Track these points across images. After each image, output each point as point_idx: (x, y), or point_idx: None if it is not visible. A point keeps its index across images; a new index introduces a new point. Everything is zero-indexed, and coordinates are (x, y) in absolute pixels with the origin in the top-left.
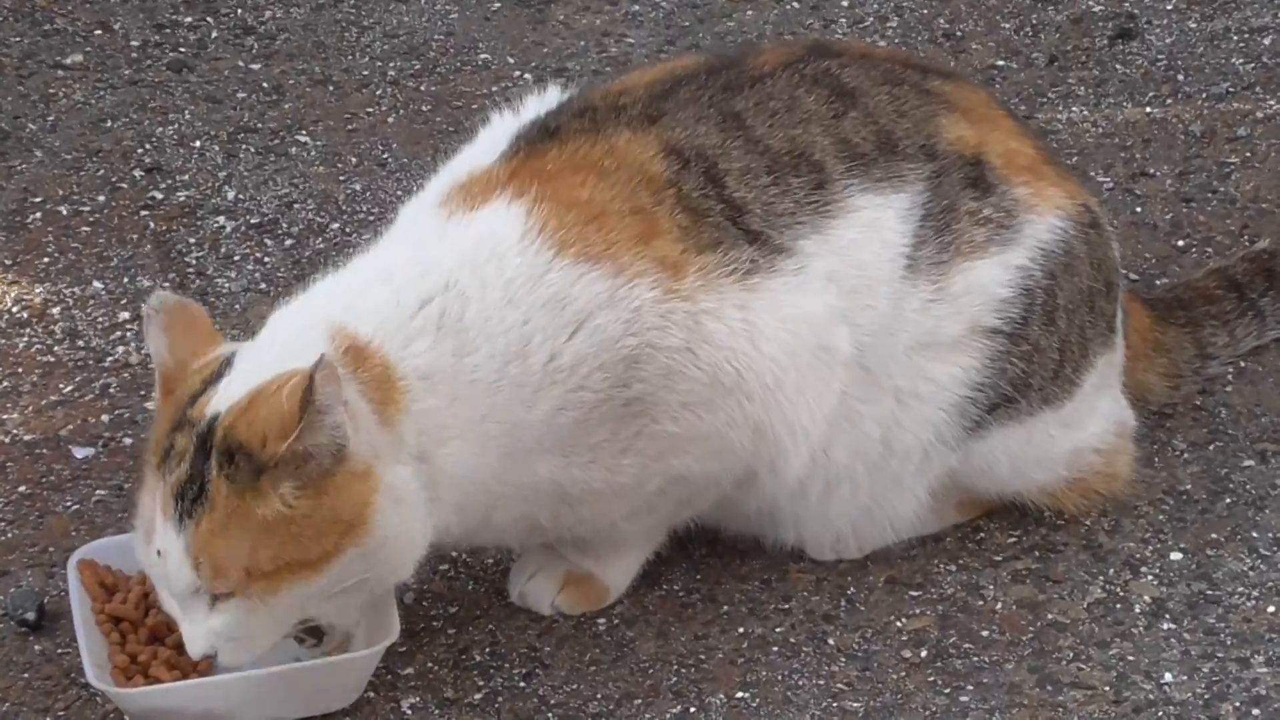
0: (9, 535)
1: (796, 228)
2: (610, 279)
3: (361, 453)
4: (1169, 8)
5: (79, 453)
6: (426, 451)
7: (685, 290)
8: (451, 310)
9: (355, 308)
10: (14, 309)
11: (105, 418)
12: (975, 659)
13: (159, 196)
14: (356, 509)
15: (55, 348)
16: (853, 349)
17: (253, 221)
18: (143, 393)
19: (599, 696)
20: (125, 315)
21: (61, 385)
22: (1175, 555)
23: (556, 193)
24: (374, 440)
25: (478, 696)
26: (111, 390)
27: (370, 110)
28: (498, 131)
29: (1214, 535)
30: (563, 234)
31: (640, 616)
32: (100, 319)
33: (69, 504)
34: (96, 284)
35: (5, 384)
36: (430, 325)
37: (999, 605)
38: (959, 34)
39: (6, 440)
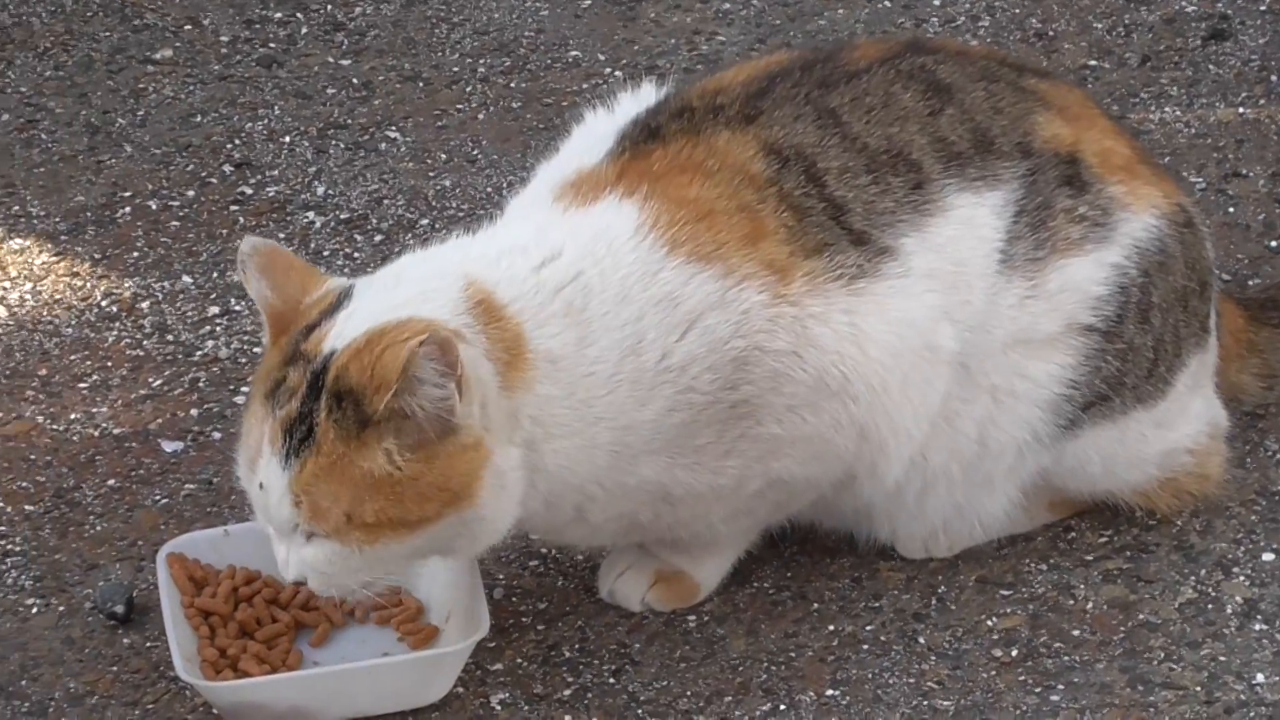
0: (98, 529)
1: (897, 226)
2: (720, 280)
3: (471, 423)
4: (1262, 9)
5: (168, 447)
6: (534, 441)
7: (793, 295)
8: (578, 300)
9: (493, 270)
10: (103, 303)
11: (194, 412)
12: (1066, 658)
13: (248, 192)
14: (464, 480)
15: (144, 342)
16: (956, 345)
17: (342, 217)
18: (231, 387)
19: (689, 693)
20: (214, 310)
21: (151, 379)
22: (1268, 556)
23: (665, 192)
24: (491, 409)
25: (567, 693)
26: (200, 384)
27: (460, 107)
28: (594, 130)
29: None
30: (674, 232)
31: (730, 614)
32: (189, 313)
33: (158, 498)
34: (186, 279)
35: (95, 377)
36: (561, 311)
37: (1090, 605)
38: (1051, 34)
39: (96, 434)
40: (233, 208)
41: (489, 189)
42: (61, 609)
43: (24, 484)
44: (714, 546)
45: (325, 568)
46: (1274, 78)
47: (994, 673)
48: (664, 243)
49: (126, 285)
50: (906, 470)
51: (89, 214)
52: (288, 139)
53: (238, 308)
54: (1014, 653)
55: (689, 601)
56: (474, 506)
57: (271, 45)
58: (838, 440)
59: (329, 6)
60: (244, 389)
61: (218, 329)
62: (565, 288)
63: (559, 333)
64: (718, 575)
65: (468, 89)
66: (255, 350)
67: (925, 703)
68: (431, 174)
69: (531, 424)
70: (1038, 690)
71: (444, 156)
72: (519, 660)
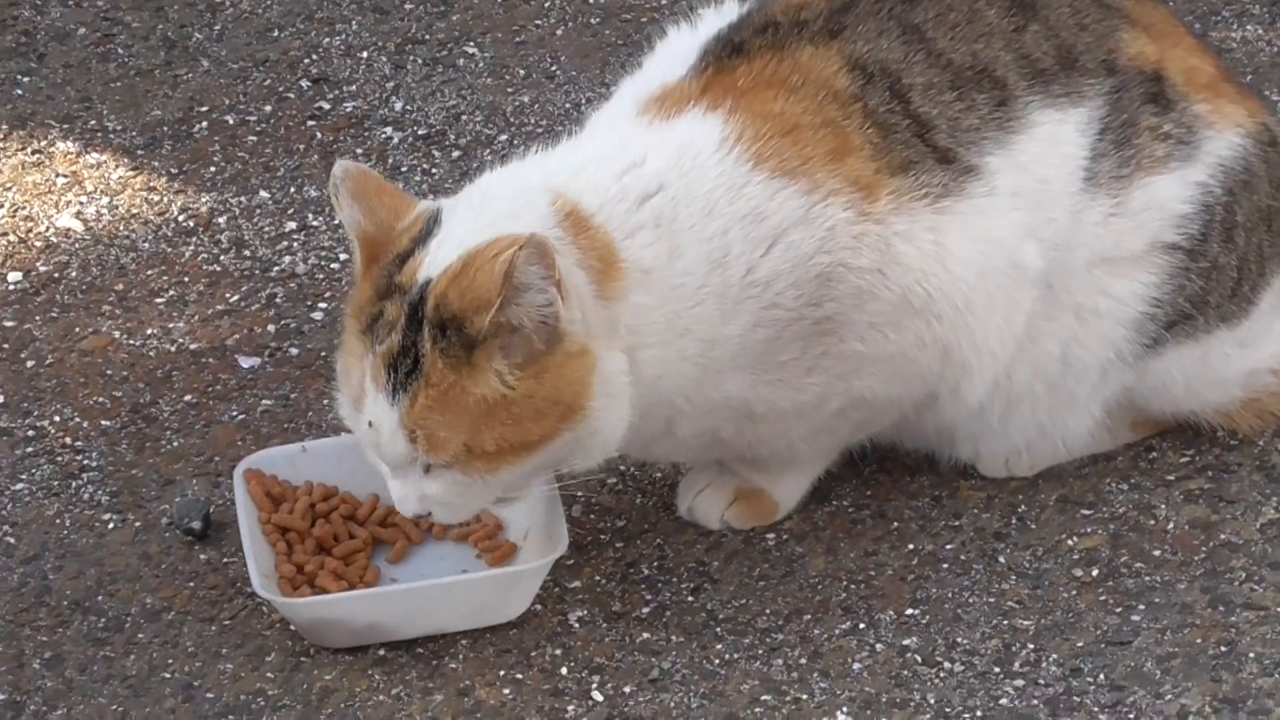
0: (175, 444)
1: (982, 144)
2: (805, 196)
3: (575, 329)
4: None
5: (245, 362)
6: (632, 349)
7: (878, 213)
8: (666, 211)
9: (578, 180)
10: (180, 218)
11: (271, 328)
12: (1147, 578)
13: (325, 107)
14: (574, 390)
15: (221, 257)
16: (1041, 264)
17: (420, 133)
18: (308, 303)
19: (767, 612)
20: (291, 225)
21: (228, 295)
22: None
23: (750, 106)
24: (589, 316)
25: (645, 610)
26: (278, 300)
27: (539, 22)
28: (677, 45)
29: None
30: (759, 147)
31: (810, 532)
32: (266, 228)
33: (235, 414)
34: (263, 193)
35: (171, 293)
36: (650, 221)
37: (1171, 525)
38: None
39: (173, 349)
40: (310, 123)
41: (567, 105)
42: (138, 525)
43: (101, 399)
44: (794, 465)
45: (451, 498)
46: None
47: (1074, 592)
48: (749, 157)
49: (203, 200)
50: (990, 390)
51: (165, 129)
52: (365, 54)
53: (315, 223)
54: (1094, 572)
55: (768, 520)
56: (588, 417)
57: None
58: (920, 359)
59: None
60: (321, 305)
61: (294, 244)
62: (651, 198)
63: (650, 243)
64: (797, 494)
65: (546, 4)
66: (333, 266)
67: (1005, 622)
68: (510, 90)
69: (629, 333)
70: (1118, 610)
71: (522, 72)
72: (597, 578)
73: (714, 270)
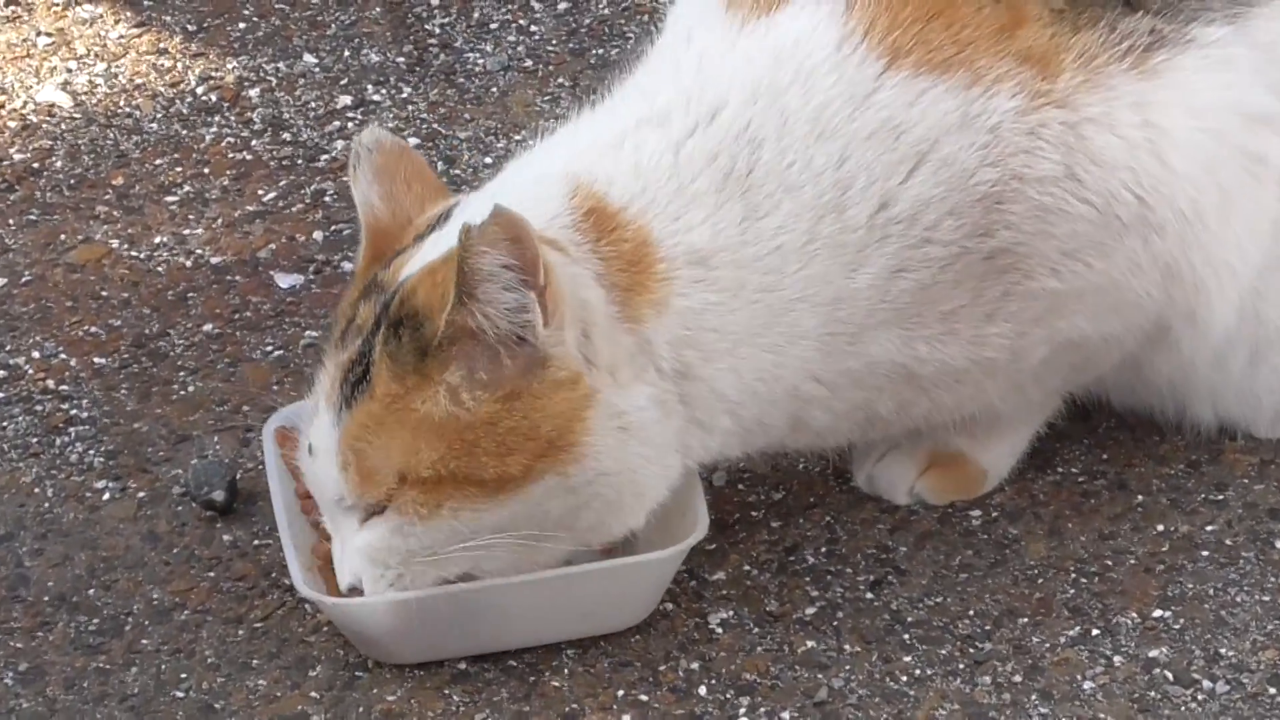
0: (191, 389)
1: (1205, 15)
2: (960, 93)
3: (564, 354)
4: None
5: (283, 281)
6: (689, 368)
7: (1059, 91)
8: (741, 163)
9: (611, 161)
10: (199, 90)
11: (318, 235)
12: None
13: None
14: (560, 424)
15: (253, 142)
16: None
17: None
18: None
19: (971, 613)
20: (346, 100)
21: (261, 191)
22: None
23: None
24: (600, 339)
25: (810, 611)
26: (326, 199)
27: None
28: None
29: None
30: (897, 36)
31: (1027, 509)
32: (313, 104)
33: (269, 348)
34: (308, 58)
35: (188, 189)
36: (712, 187)
37: None
38: None
39: (189, 264)
40: None
41: None
42: (142, 495)
43: (93, 329)
44: (1001, 422)
45: (384, 555)
46: None
47: None
48: (881, 53)
49: (230, 67)
50: (1239, 319)
51: None
52: None
53: (376, 96)
54: None
55: (972, 492)
56: (579, 462)
57: None
58: (1136, 286)
59: None
60: None
61: (349, 125)
62: (720, 154)
63: (708, 217)
64: (1009, 458)
65: None
66: None
67: None
68: None
69: (677, 348)
70: None
71: None
72: (747, 568)
73: (826, 216)
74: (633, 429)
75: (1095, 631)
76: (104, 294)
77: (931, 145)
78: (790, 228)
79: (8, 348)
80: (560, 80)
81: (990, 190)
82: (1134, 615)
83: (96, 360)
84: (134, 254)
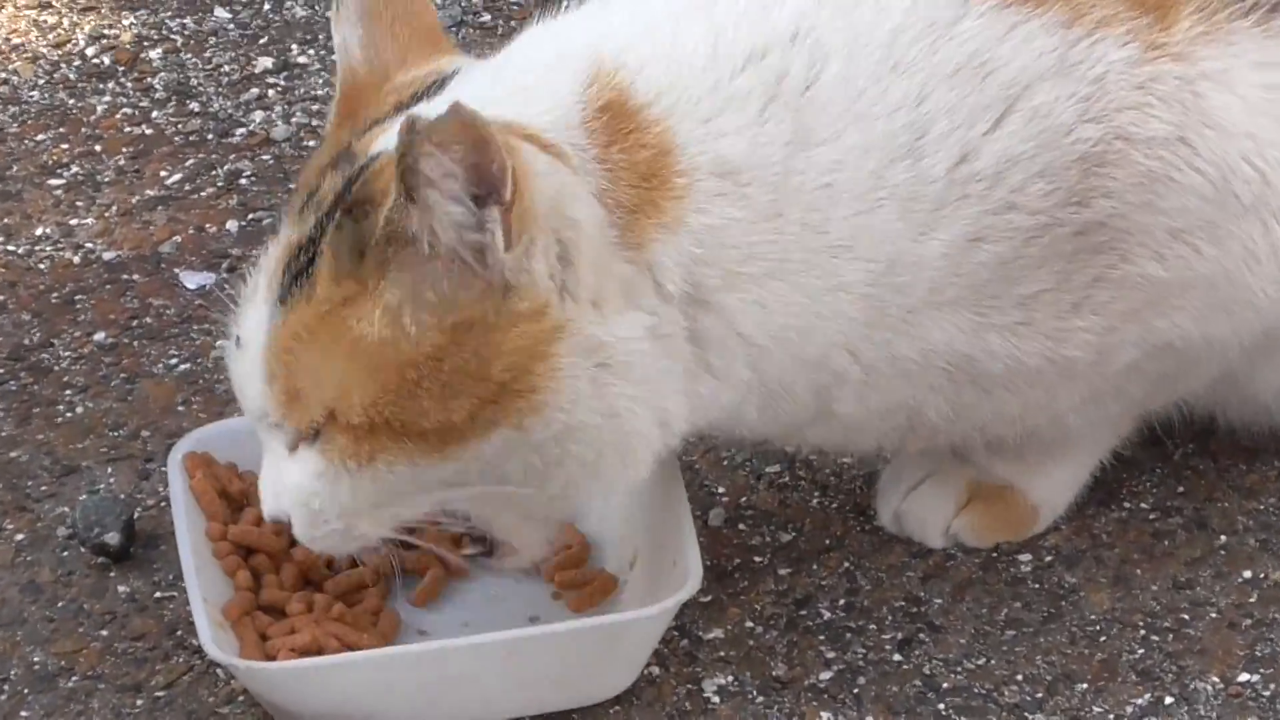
0: (79, 410)
1: None
2: (1058, 32)
3: (531, 282)
4: None
5: (191, 280)
6: (703, 291)
7: (1176, 43)
8: (796, 71)
9: (643, 44)
10: (89, 51)
11: (231, 225)
12: None
13: None
14: (514, 362)
15: (154, 113)
16: None
17: None
18: (292, 185)
19: (1019, 678)
20: (266, 63)
21: (163, 173)
22: None
23: None
24: (585, 265)
25: (825, 676)
26: (243, 181)
27: None
28: None
29: None
30: None
31: (1086, 551)
32: (226, 68)
33: (173, 361)
34: (220, 12)
35: (76, 170)
36: (756, 91)
37: None
38: None
39: (76, 260)
40: None
41: None
42: (21, 538)
43: None
44: (1059, 447)
45: (308, 498)
46: None
47: None
48: None
49: (126, 24)
50: None
51: None
52: None
53: (303, 59)
54: None
55: (1021, 532)
56: (541, 410)
57: None
58: (1251, 281)
59: None
60: None
61: (270, 94)
62: (769, 54)
63: (748, 125)
64: (1067, 491)
65: None
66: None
67: None
68: None
69: (688, 268)
70: None
71: None
72: (749, 624)
73: (898, 161)
74: (615, 365)
75: (1169, 699)
76: None
77: (1023, 91)
78: (851, 165)
79: None
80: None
81: (1090, 150)
82: (1215, 680)
83: None
84: (10, 248)
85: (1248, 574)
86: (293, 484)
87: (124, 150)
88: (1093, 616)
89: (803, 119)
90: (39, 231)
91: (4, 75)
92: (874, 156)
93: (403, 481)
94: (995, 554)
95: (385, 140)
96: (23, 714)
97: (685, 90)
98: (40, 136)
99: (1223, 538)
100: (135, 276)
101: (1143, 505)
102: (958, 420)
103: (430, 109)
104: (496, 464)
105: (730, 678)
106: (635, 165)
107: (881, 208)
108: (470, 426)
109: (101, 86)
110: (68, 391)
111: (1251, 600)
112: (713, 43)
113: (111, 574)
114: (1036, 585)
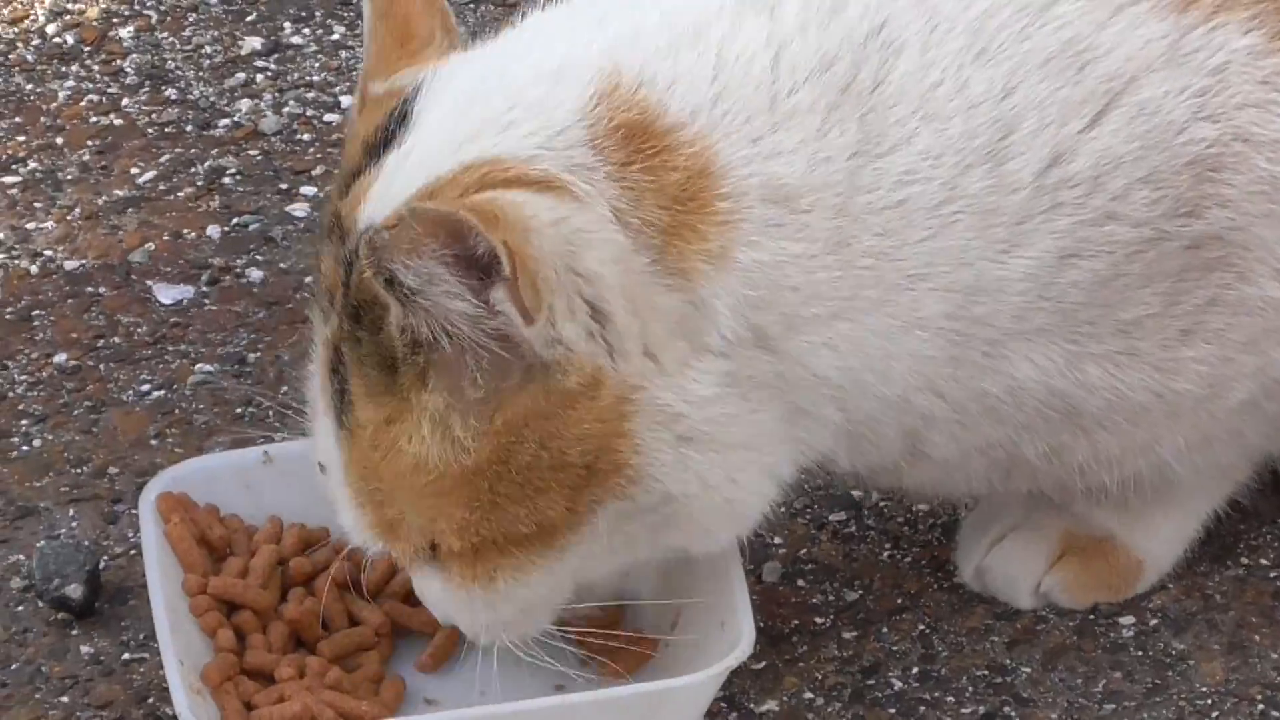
0: (36, 443)
1: None
2: (1173, 15)
3: (572, 353)
4: None
5: (165, 294)
6: (767, 339)
7: None
8: (866, 73)
9: (683, 57)
10: (50, 29)
11: (213, 231)
12: None
13: None
14: (592, 447)
15: (124, 101)
16: None
17: None
18: (284, 185)
19: None
20: (254, 43)
21: (135, 170)
22: None
23: None
24: (625, 315)
25: None
26: (226, 180)
27: None
28: None
29: None
30: None
31: (1198, 614)
32: (208, 49)
33: (145, 387)
34: None
35: (34, 165)
36: (821, 103)
37: None
38: None
39: (34, 269)
40: None
41: None
42: None
43: None
44: (1168, 494)
45: (451, 611)
46: None
47: None
48: None
49: None
50: None
51: None
52: None
53: (296, 39)
54: None
55: (1122, 592)
56: (640, 481)
57: None
58: None
59: None
60: (306, 189)
61: (259, 79)
62: (839, 61)
63: (808, 141)
64: (1176, 545)
65: None
66: (328, 119)
67: None
68: None
69: (742, 313)
70: None
71: None
72: (809, 695)
73: (976, 167)
74: (699, 438)
75: None
76: None
77: (1127, 83)
78: (925, 175)
79: None
80: None
81: (1204, 153)
82: None
83: None
84: None
85: None
86: (429, 594)
87: (89, 143)
88: (1204, 689)
89: (869, 124)
90: None
91: None
92: (949, 162)
93: (537, 585)
94: (1092, 616)
95: (370, 205)
96: None
97: (732, 107)
98: None
99: None
100: (101, 289)
101: (1263, 561)
102: (1060, 458)
103: (403, 161)
104: (615, 535)
105: None
106: (664, 188)
107: (956, 224)
108: (573, 515)
109: (64, 70)
110: (23, 422)
111: None
112: (774, 54)
113: (73, 632)
114: (1140, 653)
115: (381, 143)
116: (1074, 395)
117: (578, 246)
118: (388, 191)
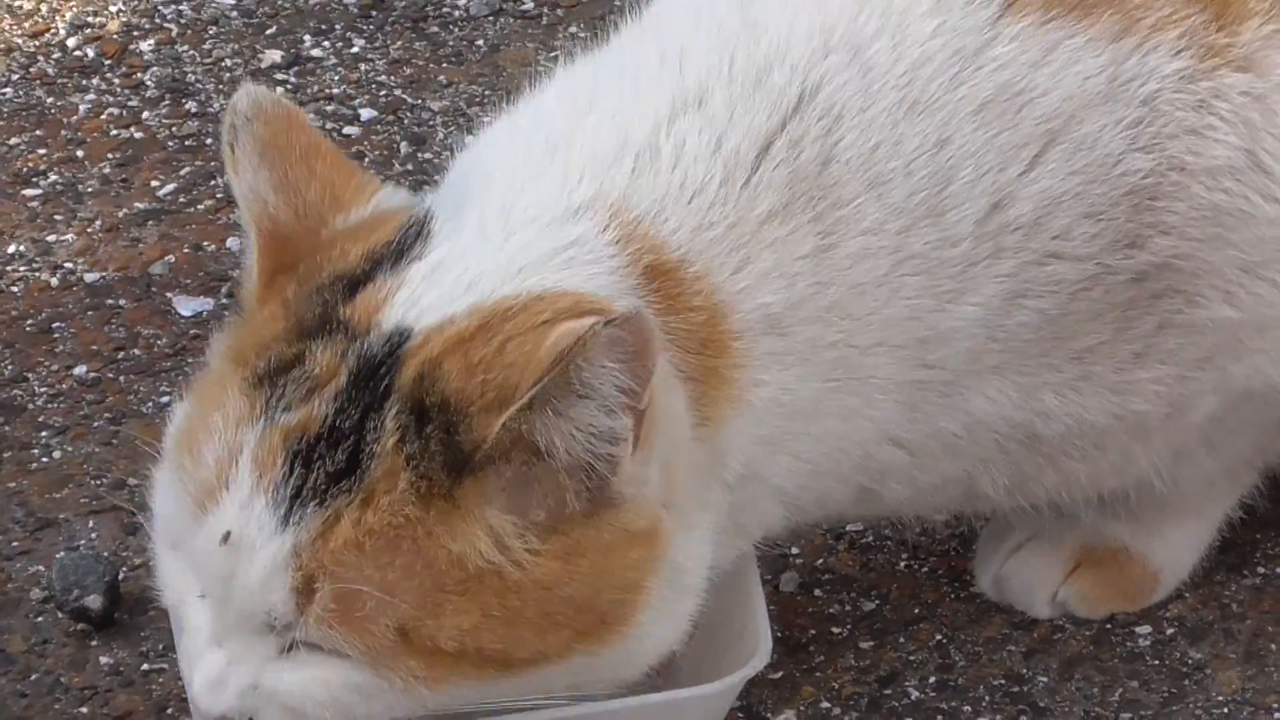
0: (57, 455)
1: None
2: (1104, 50)
3: (641, 495)
4: None
5: (185, 306)
6: (755, 472)
7: (1240, 46)
8: (809, 154)
9: (649, 178)
10: (70, 42)
11: (233, 243)
12: None
13: None
14: (621, 596)
15: (145, 114)
16: None
17: None
18: None
19: None
20: (274, 56)
21: (155, 183)
22: None
23: None
24: (676, 469)
25: None
26: None
27: None
28: None
29: None
30: None
31: (1214, 623)
32: (228, 62)
33: (165, 398)
34: None
35: (55, 178)
36: (776, 202)
37: None
38: None
39: (54, 281)
40: None
41: None
42: None
43: None
44: (1176, 506)
45: (311, 707)
46: None
47: None
48: None
49: (114, 10)
50: None
51: None
52: None
53: (316, 52)
54: None
55: (1139, 601)
56: (623, 640)
57: None
58: None
59: None
60: None
61: (280, 91)
62: (776, 140)
63: (778, 260)
64: (1190, 553)
65: None
66: (348, 131)
67: None
68: None
69: (747, 453)
70: None
71: None
72: (826, 705)
73: (917, 226)
74: (689, 589)
75: None
76: None
77: (1065, 121)
78: (874, 249)
79: None
80: (571, 29)
81: (1140, 183)
82: None
83: None
84: None
85: None
86: (287, 689)
87: (110, 156)
88: (1220, 698)
89: (821, 214)
90: (12, 249)
91: None
92: (892, 228)
93: (463, 698)
94: (1109, 625)
95: (399, 311)
96: None
97: (708, 230)
98: (14, 140)
99: None
100: (122, 301)
101: (1278, 570)
102: (1019, 492)
103: (435, 271)
104: (555, 680)
105: None
106: (694, 331)
107: (904, 287)
108: (560, 653)
109: (85, 83)
110: (44, 434)
111: None
112: (714, 147)
113: (93, 643)
114: (1156, 662)
115: (393, 254)
116: (1032, 424)
117: (666, 391)
118: (421, 301)
